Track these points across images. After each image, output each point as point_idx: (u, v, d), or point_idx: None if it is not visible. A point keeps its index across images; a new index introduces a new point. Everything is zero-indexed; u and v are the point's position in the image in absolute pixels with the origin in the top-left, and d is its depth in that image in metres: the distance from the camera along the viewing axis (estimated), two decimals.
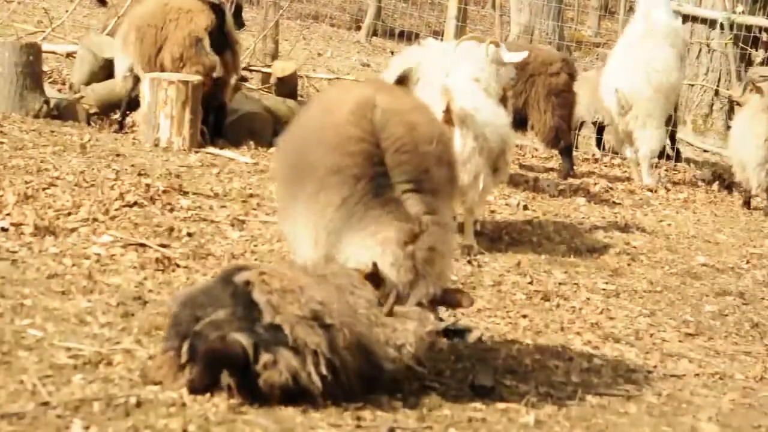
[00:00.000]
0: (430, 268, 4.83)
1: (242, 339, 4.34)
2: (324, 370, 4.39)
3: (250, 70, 12.66)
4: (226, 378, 4.35)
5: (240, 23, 10.98)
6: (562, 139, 11.48)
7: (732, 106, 14.19)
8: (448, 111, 7.50)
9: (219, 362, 4.34)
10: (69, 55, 11.77)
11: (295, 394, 4.39)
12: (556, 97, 11.40)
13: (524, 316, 6.61)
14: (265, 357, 4.34)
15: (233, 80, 10.08)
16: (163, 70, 9.62)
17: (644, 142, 11.56)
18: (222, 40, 9.78)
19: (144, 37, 9.71)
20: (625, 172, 12.25)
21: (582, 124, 13.22)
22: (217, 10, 9.71)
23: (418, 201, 4.90)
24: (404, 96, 5.67)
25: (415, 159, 4.97)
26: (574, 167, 11.71)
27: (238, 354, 4.31)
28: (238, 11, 11.10)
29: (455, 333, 5.32)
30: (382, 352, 4.56)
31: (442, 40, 11.99)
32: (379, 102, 5.08)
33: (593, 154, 13.07)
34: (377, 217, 4.85)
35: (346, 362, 4.47)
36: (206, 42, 9.63)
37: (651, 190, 11.44)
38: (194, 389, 4.38)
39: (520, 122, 11.20)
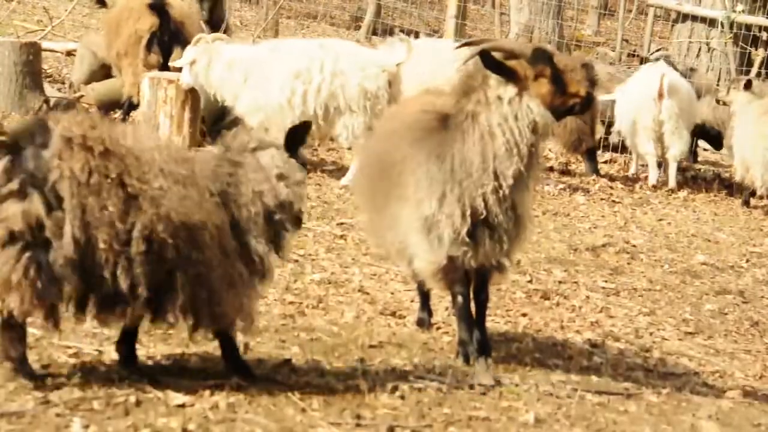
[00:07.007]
0: None
1: None
2: None
3: None
4: None
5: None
6: (584, 142, 11.50)
7: None
8: None
9: None
10: (69, 53, 11.78)
11: None
12: None
13: (524, 315, 6.62)
14: None
15: None
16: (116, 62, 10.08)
17: (676, 143, 11.61)
18: (171, 37, 9.86)
19: (107, 34, 10.25)
20: (624, 171, 12.26)
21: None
22: (160, 12, 9.77)
23: None
24: None
25: None
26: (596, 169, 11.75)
27: None
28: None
29: None
30: None
31: (441, 38, 11.98)
32: None
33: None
34: None
35: None
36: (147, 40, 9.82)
37: (673, 191, 11.49)
38: None
39: None
